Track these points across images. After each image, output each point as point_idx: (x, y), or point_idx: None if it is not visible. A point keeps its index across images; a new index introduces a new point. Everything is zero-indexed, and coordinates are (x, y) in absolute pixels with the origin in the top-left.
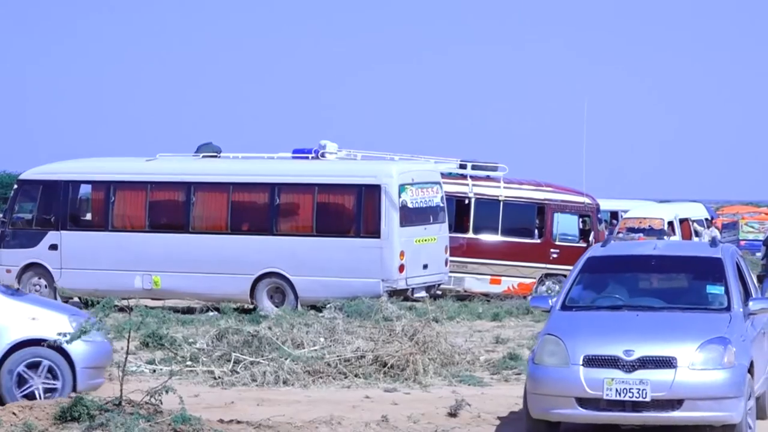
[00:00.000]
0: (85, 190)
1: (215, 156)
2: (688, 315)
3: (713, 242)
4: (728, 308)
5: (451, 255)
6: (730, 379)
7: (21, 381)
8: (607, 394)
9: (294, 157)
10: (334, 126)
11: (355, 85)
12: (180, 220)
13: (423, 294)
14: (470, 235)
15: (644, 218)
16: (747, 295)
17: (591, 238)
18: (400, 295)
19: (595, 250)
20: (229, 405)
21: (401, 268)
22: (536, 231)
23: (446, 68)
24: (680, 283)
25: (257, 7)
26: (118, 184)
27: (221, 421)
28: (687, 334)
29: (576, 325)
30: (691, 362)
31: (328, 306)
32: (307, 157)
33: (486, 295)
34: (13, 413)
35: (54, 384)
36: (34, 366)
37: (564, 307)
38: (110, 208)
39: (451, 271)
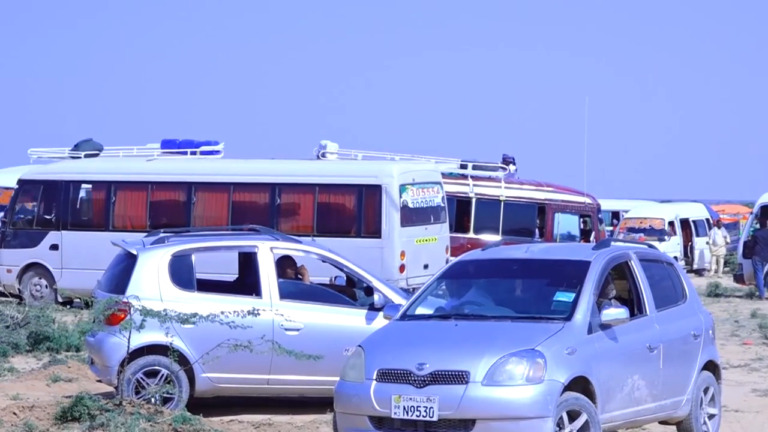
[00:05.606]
0: (85, 189)
1: (97, 154)
2: (515, 325)
3: (601, 244)
4: (569, 318)
5: (452, 255)
6: (532, 398)
7: None
8: (395, 413)
9: (164, 150)
10: (334, 126)
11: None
12: (181, 220)
13: None
14: (471, 235)
15: (645, 218)
16: (637, 307)
17: (592, 237)
18: None
19: (467, 254)
20: (230, 405)
21: (402, 268)
22: (537, 231)
23: (447, 68)
24: (537, 289)
25: (258, 8)
26: (118, 184)
27: (221, 421)
28: (490, 346)
29: (385, 336)
30: (486, 377)
31: None
32: (179, 150)
33: None
34: (14, 413)
35: None
36: None
37: (403, 317)
38: (111, 208)
39: None
